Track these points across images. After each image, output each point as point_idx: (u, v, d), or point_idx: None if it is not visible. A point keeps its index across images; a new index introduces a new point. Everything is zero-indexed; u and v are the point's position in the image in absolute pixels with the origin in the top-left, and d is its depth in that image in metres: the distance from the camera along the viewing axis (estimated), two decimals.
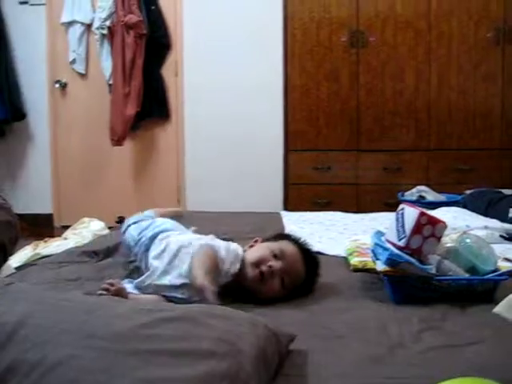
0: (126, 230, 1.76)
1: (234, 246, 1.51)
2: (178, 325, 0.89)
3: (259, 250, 1.48)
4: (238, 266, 1.44)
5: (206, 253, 1.42)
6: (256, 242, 1.55)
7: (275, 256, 1.44)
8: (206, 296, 1.23)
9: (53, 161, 4.62)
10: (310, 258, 1.50)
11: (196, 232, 1.76)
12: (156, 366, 0.81)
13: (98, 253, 1.95)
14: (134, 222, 1.77)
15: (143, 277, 1.47)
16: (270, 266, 1.41)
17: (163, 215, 1.91)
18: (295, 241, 1.53)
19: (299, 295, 1.45)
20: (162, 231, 1.63)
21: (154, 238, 1.61)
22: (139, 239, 1.66)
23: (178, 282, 1.40)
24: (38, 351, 0.83)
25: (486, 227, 2.17)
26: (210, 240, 1.54)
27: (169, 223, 1.71)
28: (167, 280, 1.42)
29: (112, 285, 1.39)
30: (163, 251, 1.51)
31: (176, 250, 1.49)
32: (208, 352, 0.83)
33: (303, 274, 1.46)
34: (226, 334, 0.88)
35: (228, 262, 1.43)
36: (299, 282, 1.45)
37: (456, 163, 4.07)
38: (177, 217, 1.97)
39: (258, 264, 1.42)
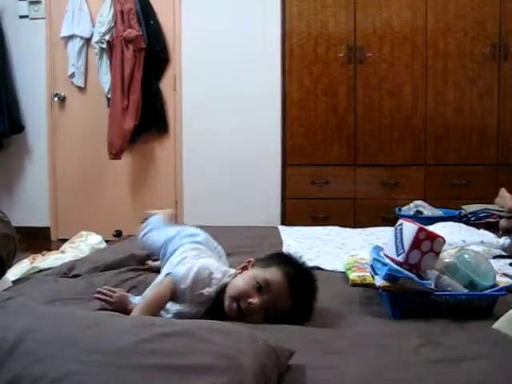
0: (145, 235, 1.83)
1: (215, 269, 1.45)
2: (178, 340, 0.89)
3: (243, 281, 1.37)
4: (213, 289, 1.39)
5: (156, 293, 1.41)
6: (249, 262, 1.46)
7: (259, 288, 1.34)
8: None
9: (50, 174, 4.62)
10: (301, 287, 1.38)
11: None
12: (157, 381, 0.80)
13: (96, 267, 1.94)
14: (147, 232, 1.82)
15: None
16: (250, 303, 1.32)
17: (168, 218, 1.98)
18: (289, 266, 1.40)
19: (293, 322, 1.35)
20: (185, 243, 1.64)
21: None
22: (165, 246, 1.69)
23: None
24: (39, 366, 0.83)
25: (482, 242, 2.18)
26: (184, 269, 1.45)
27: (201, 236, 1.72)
28: None
29: (114, 292, 1.42)
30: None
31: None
32: (209, 367, 0.83)
33: (289, 306, 1.35)
34: (227, 348, 0.88)
35: (197, 286, 1.39)
36: (285, 313, 1.35)
37: (453, 178, 4.09)
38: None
39: (237, 298, 1.34)
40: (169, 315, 1.38)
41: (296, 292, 1.36)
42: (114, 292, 1.46)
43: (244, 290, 1.35)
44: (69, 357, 0.84)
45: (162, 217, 1.94)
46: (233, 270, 1.47)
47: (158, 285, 1.46)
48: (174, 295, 1.38)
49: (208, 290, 1.38)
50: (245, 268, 1.46)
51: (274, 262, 1.44)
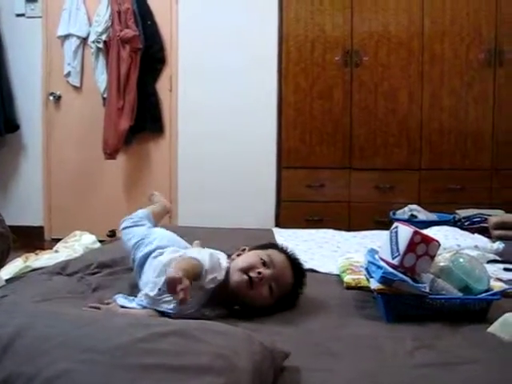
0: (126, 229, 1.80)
1: (219, 255, 1.51)
2: (175, 339, 0.89)
3: (248, 257, 1.47)
4: (223, 273, 1.43)
5: (186, 259, 1.42)
6: (244, 250, 1.55)
7: (264, 263, 1.43)
8: (173, 287, 1.22)
9: (45, 173, 4.60)
10: (297, 268, 1.51)
11: (199, 246, 1.79)
12: (153, 381, 0.80)
13: (90, 266, 1.94)
14: (128, 227, 1.78)
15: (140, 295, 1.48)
16: (260, 273, 1.40)
17: (157, 215, 1.96)
18: (283, 250, 1.54)
19: (285, 306, 1.45)
20: (155, 249, 1.63)
21: (147, 257, 1.63)
22: (133, 258, 1.68)
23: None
24: (34, 364, 0.83)
25: (476, 247, 2.19)
26: (197, 253, 1.50)
27: (165, 238, 1.70)
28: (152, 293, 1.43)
29: (99, 308, 1.41)
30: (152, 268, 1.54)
31: (162, 267, 1.50)
32: (205, 367, 0.83)
33: (291, 282, 1.47)
34: (223, 349, 0.88)
35: (213, 270, 1.43)
36: (287, 290, 1.46)
37: (447, 183, 4.10)
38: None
39: (246, 270, 1.42)
40: (171, 305, 1.38)
41: (295, 270, 1.48)
42: (99, 308, 1.45)
43: (252, 263, 1.43)
44: (63, 355, 0.84)
45: (147, 212, 1.91)
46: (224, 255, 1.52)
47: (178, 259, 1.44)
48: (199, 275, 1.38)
49: (221, 274, 1.43)
50: (239, 255, 1.53)
51: (269, 247, 1.55)
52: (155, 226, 1.88)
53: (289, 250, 1.55)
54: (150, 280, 1.48)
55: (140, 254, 1.65)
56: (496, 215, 3.01)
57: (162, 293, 1.39)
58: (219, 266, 1.45)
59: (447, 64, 4.10)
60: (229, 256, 1.56)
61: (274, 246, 1.60)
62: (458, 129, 4.12)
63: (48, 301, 1.47)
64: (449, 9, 4.07)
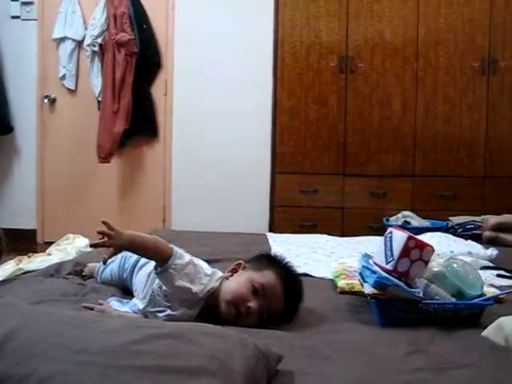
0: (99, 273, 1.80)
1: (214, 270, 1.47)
2: (168, 341, 0.89)
3: (239, 285, 1.38)
4: (217, 284, 1.40)
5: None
6: (238, 265, 1.47)
7: (255, 292, 1.36)
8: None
9: (38, 176, 4.59)
10: (293, 290, 1.42)
11: None
12: (147, 382, 0.80)
13: (83, 269, 1.93)
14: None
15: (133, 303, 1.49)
16: (248, 307, 1.34)
17: None
18: (279, 268, 1.43)
19: (276, 323, 1.39)
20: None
21: (134, 265, 1.64)
22: (123, 271, 1.69)
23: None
24: (27, 365, 0.82)
25: (469, 253, 2.19)
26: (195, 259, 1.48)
27: None
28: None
29: (91, 309, 1.41)
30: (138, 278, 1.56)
31: (147, 276, 1.51)
32: (199, 369, 0.83)
33: (283, 308, 1.40)
34: (217, 351, 0.88)
35: (206, 277, 1.40)
36: (277, 315, 1.39)
37: (440, 189, 4.12)
38: None
39: (235, 303, 1.35)
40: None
41: (289, 296, 1.40)
42: (92, 309, 1.44)
43: (241, 295, 1.36)
44: (57, 356, 0.83)
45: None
46: (220, 273, 1.46)
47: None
48: (165, 261, 1.35)
49: (198, 288, 1.37)
50: (234, 270, 1.47)
51: (264, 264, 1.45)
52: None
53: (286, 266, 1.46)
54: (139, 291, 1.49)
55: (127, 264, 1.66)
56: (494, 216, 3.02)
57: (149, 303, 1.40)
58: (215, 277, 1.42)
59: (441, 72, 4.12)
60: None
61: (269, 260, 1.48)
62: (451, 136, 4.14)
63: (41, 303, 1.47)
64: (443, 17, 4.10)
